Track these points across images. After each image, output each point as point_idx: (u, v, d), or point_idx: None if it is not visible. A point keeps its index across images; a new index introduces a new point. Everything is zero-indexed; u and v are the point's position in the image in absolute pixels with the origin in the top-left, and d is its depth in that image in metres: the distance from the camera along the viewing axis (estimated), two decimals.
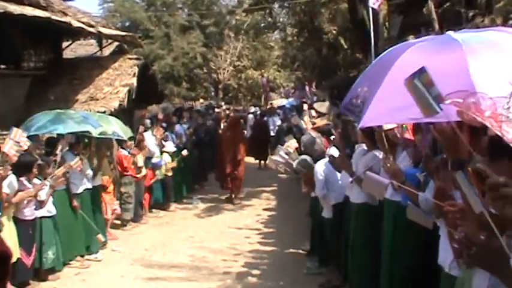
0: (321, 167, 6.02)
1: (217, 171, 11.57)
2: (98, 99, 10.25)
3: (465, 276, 2.37)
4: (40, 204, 6.35)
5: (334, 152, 6.11)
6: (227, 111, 19.70)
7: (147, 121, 10.49)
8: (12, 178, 5.93)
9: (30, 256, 6.16)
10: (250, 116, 20.04)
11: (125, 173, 9.07)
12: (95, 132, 7.20)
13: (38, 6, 9.27)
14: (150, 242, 8.37)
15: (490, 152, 2.11)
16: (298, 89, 25.64)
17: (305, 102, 14.76)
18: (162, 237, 8.66)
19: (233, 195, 11.50)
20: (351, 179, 5.05)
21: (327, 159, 6.08)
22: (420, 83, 2.11)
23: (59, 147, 6.83)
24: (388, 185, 4.09)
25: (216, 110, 19.96)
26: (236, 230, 9.16)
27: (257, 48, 31.12)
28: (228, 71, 30.21)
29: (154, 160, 10.02)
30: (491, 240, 1.85)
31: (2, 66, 10.13)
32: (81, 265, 7.16)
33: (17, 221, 6.08)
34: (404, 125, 4.10)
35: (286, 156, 6.75)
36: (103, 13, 24.74)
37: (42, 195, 6.33)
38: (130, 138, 8.83)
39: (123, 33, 12.67)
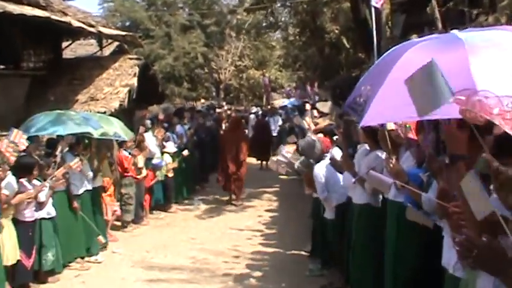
0: (321, 170, 6.00)
1: (220, 172, 11.48)
2: (98, 100, 10.24)
3: (469, 278, 2.36)
4: (40, 206, 6.30)
5: (336, 152, 6.07)
6: (228, 112, 19.68)
7: (148, 122, 10.43)
8: (11, 179, 5.88)
9: (30, 258, 6.12)
10: (252, 116, 20.01)
11: (126, 174, 9.03)
12: (95, 133, 7.16)
13: (38, 5, 9.24)
14: (151, 243, 8.33)
15: (496, 150, 2.09)
16: (300, 88, 25.63)
17: (307, 102, 14.71)
18: (163, 239, 8.62)
19: (233, 196, 11.43)
20: (353, 180, 5.02)
21: (326, 161, 6.04)
22: (434, 70, 2.07)
23: (59, 148, 6.79)
24: (392, 184, 4.05)
25: (218, 110, 19.95)
26: (238, 231, 9.11)
27: (259, 48, 31.07)
28: (229, 70, 30.16)
29: (154, 161, 9.97)
30: (493, 242, 1.85)
31: (2, 67, 10.14)
32: (81, 267, 7.12)
33: (17, 222, 6.04)
34: (407, 125, 4.08)
35: (289, 156, 6.70)
36: (103, 13, 24.75)
37: (42, 196, 6.29)
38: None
39: (124, 33, 12.69)
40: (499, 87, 2.15)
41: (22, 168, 6.09)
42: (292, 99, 24.64)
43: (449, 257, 3.02)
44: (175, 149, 10.75)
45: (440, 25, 8.00)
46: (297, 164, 6.47)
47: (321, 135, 6.72)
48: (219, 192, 12.00)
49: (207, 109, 19.61)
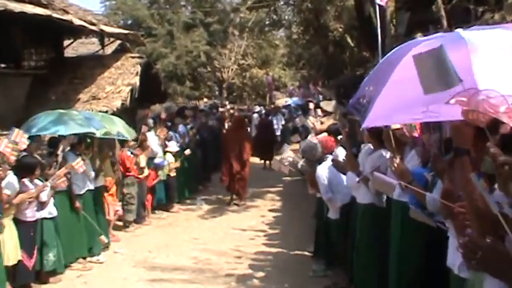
0: (323, 171, 5.99)
1: (224, 172, 11.41)
2: (100, 99, 10.22)
3: (475, 279, 2.34)
4: (41, 206, 6.28)
5: (340, 152, 6.06)
6: (231, 111, 19.65)
7: (150, 121, 10.38)
8: (12, 179, 5.86)
9: (31, 258, 6.10)
10: (255, 115, 19.97)
11: (127, 174, 8.99)
12: (98, 133, 7.15)
13: (39, 4, 9.17)
14: (153, 243, 8.30)
15: (503, 149, 2.06)
16: (303, 87, 25.57)
17: (311, 101, 14.65)
18: (165, 239, 8.59)
19: (235, 196, 11.38)
20: (357, 179, 5.00)
21: (329, 162, 6.03)
22: (442, 55, 2.10)
23: (60, 148, 6.74)
24: (396, 186, 4.05)
25: (220, 109, 19.90)
26: (240, 231, 9.09)
27: (262, 47, 30.97)
28: (232, 69, 30.07)
29: (156, 160, 9.92)
30: (497, 244, 1.85)
31: (2, 66, 10.10)
32: (83, 267, 7.10)
33: (18, 222, 6.02)
34: (412, 124, 4.06)
35: (293, 155, 6.66)
36: (105, 11, 24.64)
37: (44, 196, 6.27)
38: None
39: (126, 32, 12.69)
40: (501, 86, 2.16)
41: (24, 168, 6.09)
42: (295, 98, 24.59)
43: (455, 258, 3.00)
44: (177, 149, 10.71)
45: (445, 23, 7.92)
46: (300, 163, 6.44)
47: (325, 134, 6.67)
48: (221, 192, 11.96)
49: (209, 108, 19.53)
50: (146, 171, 9.42)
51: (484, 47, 2.64)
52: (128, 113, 10.20)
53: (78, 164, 6.75)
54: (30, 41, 10.81)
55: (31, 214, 6.16)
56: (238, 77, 32.02)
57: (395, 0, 10.39)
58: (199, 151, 12.55)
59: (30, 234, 6.12)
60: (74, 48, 13.54)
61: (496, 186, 2.08)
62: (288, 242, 8.13)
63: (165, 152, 10.36)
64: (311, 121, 8.90)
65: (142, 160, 9.19)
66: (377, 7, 8.47)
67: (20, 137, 5.85)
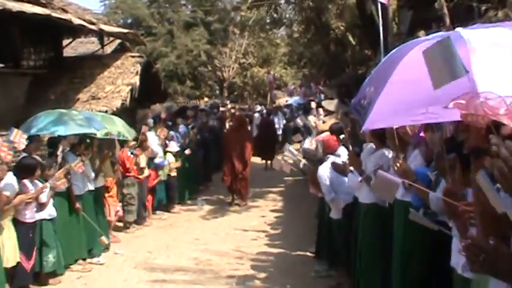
0: (325, 171, 5.96)
1: (226, 172, 11.35)
2: (99, 99, 10.20)
3: (480, 279, 2.33)
4: (41, 207, 6.24)
5: (342, 151, 6.03)
6: (232, 110, 19.58)
7: (150, 121, 10.33)
8: (11, 180, 5.82)
9: (30, 260, 6.06)
10: (256, 114, 19.92)
11: (127, 174, 8.94)
12: (99, 134, 7.13)
13: (38, 3, 9.13)
14: (154, 244, 8.27)
15: None
16: (305, 86, 25.52)
17: (313, 100, 14.59)
18: (166, 240, 8.55)
19: (236, 196, 11.32)
20: (360, 178, 4.98)
21: (330, 162, 5.98)
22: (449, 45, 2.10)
23: (60, 148, 6.69)
24: (400, 184, 3.92)
25: (221, 108, 19.86)
26: (242, 231, 9.04)
27: (263, 45, 30.92)
28: (233, 68, 30.01)
29: (157, 160, 9.87)
30: (501, 246, 1.83)
31: (1, 65, 10.05)
32: (83, 269, 7.06)
33: (17, 223, 5.98)
34: None
35: (296, 153, 6.61)
36: (104, 10, 24.65)
37: (43, 197, 6.24)
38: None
39: (125, 31, 12.67)
40: (500, 87, 2.16)
41: (24, 169, 6.06)
42: (296, 98, 24.55)
43: (458, 257, 2.96)
44: (178, 148, 10.64)
45: (448, 21, 7.87)
46: (302, 163, 6.40)
47: (327, 133, 6.62)
48: (223, 192, 11.94)
49: (210, 108, 19.50)
50: (146, 172, 9.38)
51: (483, 46, 2.62)
52: (127, 113, 10.20)
53: (77, 164, 6.72)
54: (29, 40, 10.80)
55: (30, 215, 6.12)
56: (239, 76, 31.98)
57: None
58: (200, 151, 12.48)
59: (29, 236, 6.08)
60: (73, 48, 13.52)
61: (499, 185, 2.04)
62: (290, 243, 8.09)
63: (165, 152, 10.30)
64: (313, 120, 8.83)
65: (143, 160, 9.15)
66: (379, 5, 8.42)
67: (19, 137, 5.86)
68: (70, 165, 6.64)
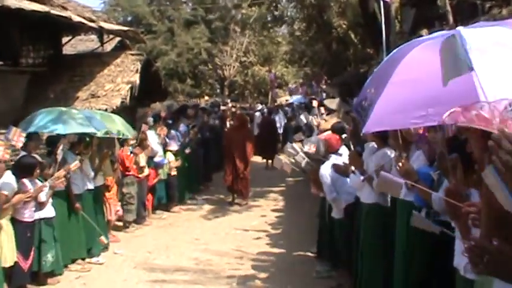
0: (326, 170, 5.93)
1: (227, 171, 11.28)
2: (99, 97, 10.17)
3: (484, 281, 2.25)
4: (40, 206, 6.20)
5: (344, 151, 5.99)
6: (233, 109, 19.55)
7: (150, 119, 10.28)
8: (10, 179, 5.78)
9: (27, 260, 6.01)
10: (257, 113, 19.88)
11: (127, 173, 8.89)
12: (99, 133, 7.09)
13: (37, 0, 9.05)
14: (154, 244, 8.23)
15: None
16: (306, 85, 25.48)
17: (314, 99, 14.54)
18: (165, 240, 8.51)
19: (236, 196, 11.27)
20: (362, 178, 4.96)
21: (332, 161, 5.96)
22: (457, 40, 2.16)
23: (60, 147, 6.63)
24: (403, 185, 3.98)
25: (222, 107, 19.82)
26: (243, 231, 9.00)
27: (264, 44, 30.86)
28: (234, 67, 29.94)
29: (156, 159, 9.81)
30: (505, 247, 1.79)
31: (0, 63, 9.94)
32: (82, 268, 7.01)
33: (15, 222, 5.94)
34: None
35: (299, 149, 6.56)
36: (104, 7, 24.63)
37: (43, 196, 6.20)
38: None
39: (125, 28, 12.65)
40: (501, 87, 2.17)
41: (23, 168, 6.03)
42: (298, 96, 24.51)
43: (461, 258, 2.96)
44: (177, 147, 10.58)
45: (451, 19, 7.82)
46: (304, 162, 6.34)
47: (329, 132, 6.56)
48: (223, 192, 11.90)
49: (211, 106, 19.44)
50: (146, 171, 9.32)
51: (485, 46, 2.60)
52: (127, 112, 10.17)
53: (76, 166, 6.69)
54: (28, 38, 10.75)
55: (29, 214, 6.08)
56: (240, 74, 31.92)
57: None
58: (201, 150, 12.43)
59: (27, 235, 6.04)
60: (73, 46, 13.52)
61: None
62: (291, 243, 8.05)
63: (165, 151, 10.25)
64: (315, 120, 8.78)
65: (142, 159, 9.09)
66: (381, 3, 8.37)
67: (17, 136, 5.82)
68: (69, 167, 6.58)
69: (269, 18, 19.23)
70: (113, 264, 7.25)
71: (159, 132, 10.21)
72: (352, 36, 15.69)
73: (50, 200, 6.37)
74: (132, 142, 8.92)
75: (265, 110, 20.85)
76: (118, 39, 13.95)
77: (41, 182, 6.23)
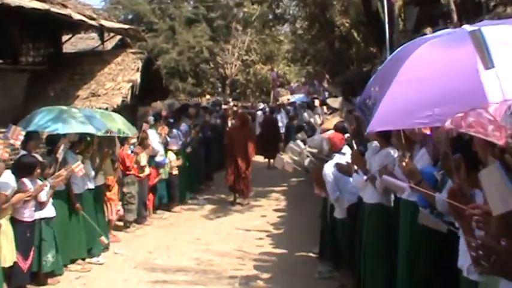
0: (329, 169, 5.89)
1: (229, 171, 11.22)
2: (99, 96, 10.16)
3: (490, 281, 2.30)
4: (40, 206, 6.17)
5: (347, 150, 5.96)
6: (235, 108, 19.49)
7: (151, 118, 10.24)
8: (9, 178, 5.73)
9: (27, 260, 5.98)
10: (259, 112, 19.85)
11: (128, 173, 8.84)
12: (99, 133, 7.03)
13: None
14: (154, 244, 8.19)
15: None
16: (308, 84, 25.44)
17: (316, 98, 14.52)
18: (166, 240, 8.47)
19: (238, 195, 11.23)
20: (365, 177, 4.92)
21: (336, 160, 5.91)
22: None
23: (61, 147, 6.59)
24: (406, 189, 4.01)
25: (223, 106, 19.75)
26: (244, 231, 8.95)
27: (266, 42, 30.86)
28: (235, 65, 29.94)
29: (157, 158, 9.77)
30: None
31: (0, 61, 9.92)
32: (82, 268, 6.98)
33: (15, 222, 5.91)
34: None
35: (303, 146, 6.51)
36: (105, 5, 24.70)
37: (43, 196, 6.16)
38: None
39: (126, 27, 12.63)
40: (507, 86, 2.18)
41: (23, 168, 5.99)
42: (301, 95, 24.47)
43: (465, 259, 2.93)
44: (178, 146, 10.53)
45: (455, 17, 7.78)
46: (307, 161, 6.30)
47: (332, 131, 6.51)
48: (224, 192, 11.86)
49: (212, 105, 19.40)
50: (147, 170, 9.28)
51: (490, 45, 2.60)
52: (128, 110, 10.17)
53: (78, 167, 6.62)
54: (28, 36, 10.76)
55: (29, 214, 6.04)
56: (241, 73, 31.91)
57: None
58: (202, 149, 12.38)
59: (26, 235, 6.01)
60: (73, 44, 13.53)
61: None
62: (293, 243, 8.01)
63: (166, 150, 10.20)
64: (318, 119, 8.76)
65: (143, 158, 9.04)
66: (385, 1, 8.39)
67: (17, 134, 5.80)
68: (71, 168, 6.52)
69: (271, 17, 19.22)
70: (114, 264, 7.22)
71: (160, 131, 10.17)
72: (355, 34, 15.67)
73: (51, 200, 6.33)
74: (133, 141, 8.87)
75: (267, 109, 20.83)
76: (119, 37, 13.95)
77: (42, 181, 6.18)
